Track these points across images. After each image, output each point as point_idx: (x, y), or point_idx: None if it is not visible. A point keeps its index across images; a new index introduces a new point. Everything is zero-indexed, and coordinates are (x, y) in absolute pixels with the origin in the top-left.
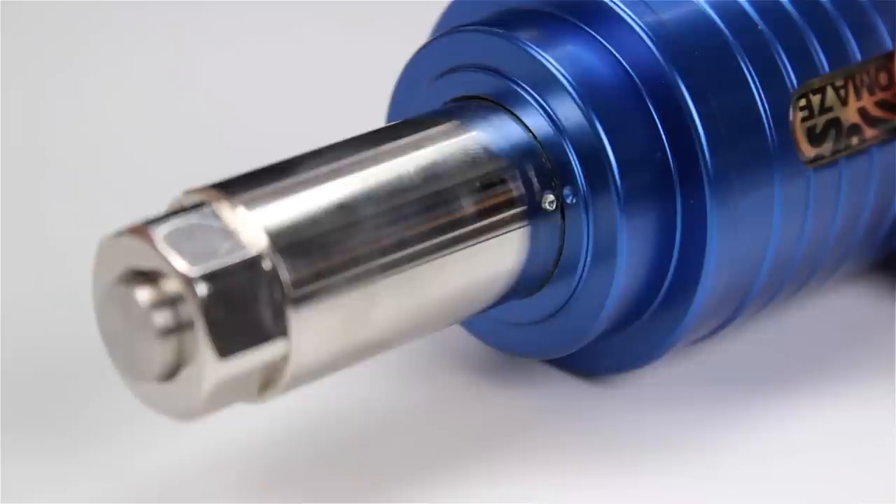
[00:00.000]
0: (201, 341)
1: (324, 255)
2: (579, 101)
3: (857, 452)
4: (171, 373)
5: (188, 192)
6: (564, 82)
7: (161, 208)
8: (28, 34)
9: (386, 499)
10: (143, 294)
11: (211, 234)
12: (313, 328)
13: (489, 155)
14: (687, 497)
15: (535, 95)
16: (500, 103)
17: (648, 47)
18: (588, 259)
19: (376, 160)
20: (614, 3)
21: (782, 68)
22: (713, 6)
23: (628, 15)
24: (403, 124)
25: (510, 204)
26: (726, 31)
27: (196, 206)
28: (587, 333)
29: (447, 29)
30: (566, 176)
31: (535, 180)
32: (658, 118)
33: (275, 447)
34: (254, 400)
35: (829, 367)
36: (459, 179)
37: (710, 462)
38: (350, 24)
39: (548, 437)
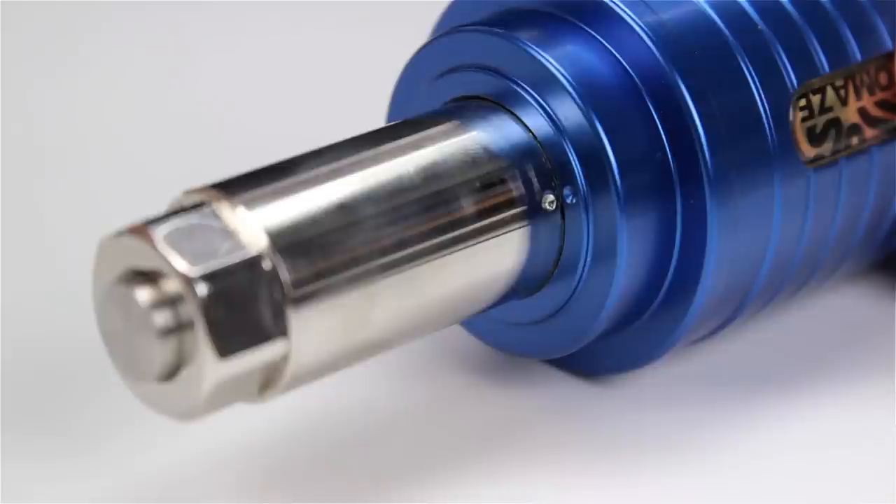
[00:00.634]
0: (201, 341)
1: (324, 255)
2: (579, 101)
3: (857, 452)
4: (171, 373)
5: (188, 192)
6: (564, 82)
7: (161, 208)
8: (28, 34)
9: (386, 499)
10: (143, 294)
11: (211, 234)
12: (313, 328)
13: (489, 155)
14: (687, 497)
15: (535, 95)
16: (500, 103)
17: (648, 47)
18: (588, 259)
19: (376, 160)
20: (614, 3)
21: (782, 68)
22: (713, 6)
23: (628, 15)
24: (403, 124)
25: (510, 204)
26: (726, 31)
27: (196, 206)
28: (587, 333)
29: (447, 29)
30: (566, 176)
31: (535, 180)
32: (658, 118)
33: (275, 447)
34: (254, 400)
35: (829, 367)
36: (459, 179)
37: (710, 462)
38: (350, 24)
39: (548, 437)
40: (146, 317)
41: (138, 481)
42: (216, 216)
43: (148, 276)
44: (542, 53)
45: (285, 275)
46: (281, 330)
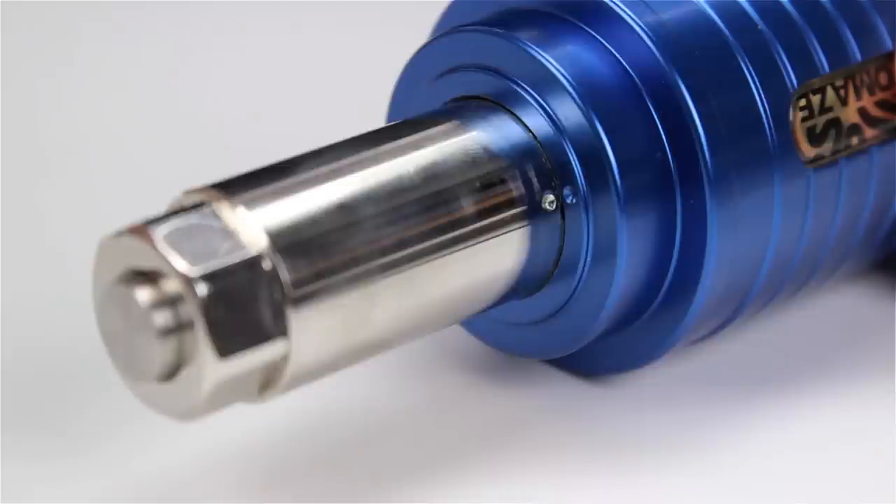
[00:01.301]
0: (201, 341)
1: (324, 255)
2: (579, 101)
3: (857, 452)
4: (171, 373)
5: (188, 192)
6: (564, 82)
7: (161, 208)
8: (28, 34)
9: (386, 499)
10: (143, 294)
11: (211, 234)
12: (313, 328)
13: (489, 155)
14: (687, 497)
15: (535, 95)
16: (500, 103)
17: (648, 47)
18: (588, 259)
19: (376, 160)
20: (614, 3)
21: (782, 68)
22: (713, 6)
23: (628, 15)
24: (403, 124)
25: (510, 204)
26: (726, 31)
27: (196, 206)
28: (587, 333)
29: (447, 29)
30: (566, 176)
31: (535, 180)
32: (658, 118)
33: (275, 447)
34: (254, 400)
35: (829, 367)
36: (459, 179)
37: (710, 462)
38: (350, 24)
39: (548, 437)
40: (146, 317)
41: (138, 481)
42: (216, 216)
43: (148, 276)
44: (542, 53)
45: (285, 275)
46: (281, 330)
